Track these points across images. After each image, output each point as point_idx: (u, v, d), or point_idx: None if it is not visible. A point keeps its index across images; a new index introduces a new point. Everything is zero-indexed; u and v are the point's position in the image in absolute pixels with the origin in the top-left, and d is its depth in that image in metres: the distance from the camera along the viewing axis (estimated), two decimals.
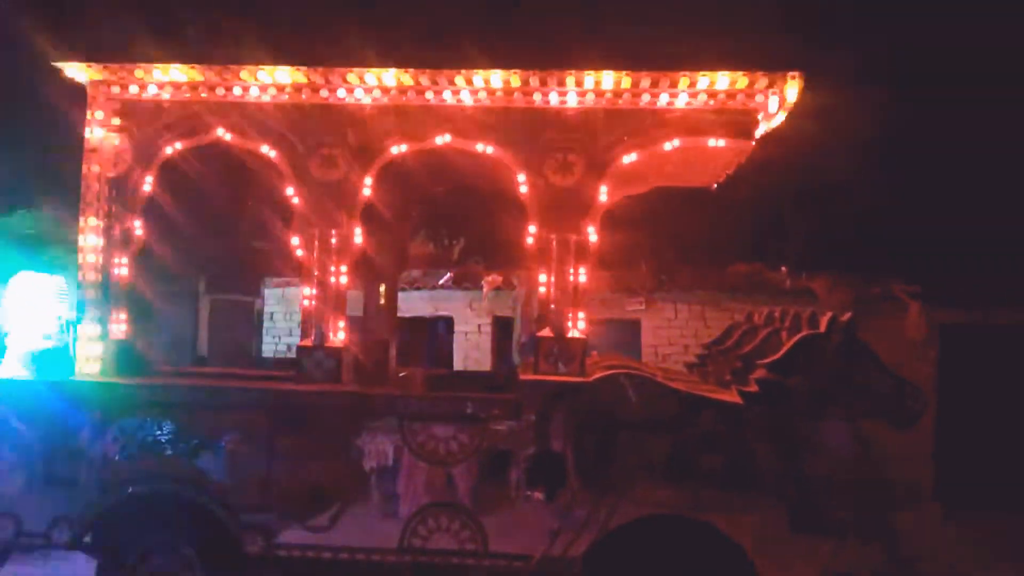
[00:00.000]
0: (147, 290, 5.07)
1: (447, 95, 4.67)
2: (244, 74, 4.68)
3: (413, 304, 10.63)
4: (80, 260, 4.83)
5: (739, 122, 4.63)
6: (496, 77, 4.56)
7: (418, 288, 10.82)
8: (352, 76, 4.64)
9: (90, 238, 4.81)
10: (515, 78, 4.55)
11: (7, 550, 5.27)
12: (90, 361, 4.74)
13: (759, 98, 4.58)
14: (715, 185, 5.82)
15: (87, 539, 4.49)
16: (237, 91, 4.77)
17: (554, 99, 4.63)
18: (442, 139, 4.75)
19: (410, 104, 4.72)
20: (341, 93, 4.72)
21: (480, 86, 4.60)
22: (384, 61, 4.64)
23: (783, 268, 10.02)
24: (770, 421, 4.23)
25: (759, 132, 4.82)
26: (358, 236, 4.82)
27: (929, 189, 9.58)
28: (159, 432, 4.43)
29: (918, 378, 5.21)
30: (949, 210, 9.32)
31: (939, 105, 9.46)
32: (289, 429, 4.40)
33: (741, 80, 4.49)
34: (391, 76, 4.62)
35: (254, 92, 4.76)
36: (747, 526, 4.16)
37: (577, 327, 4.55)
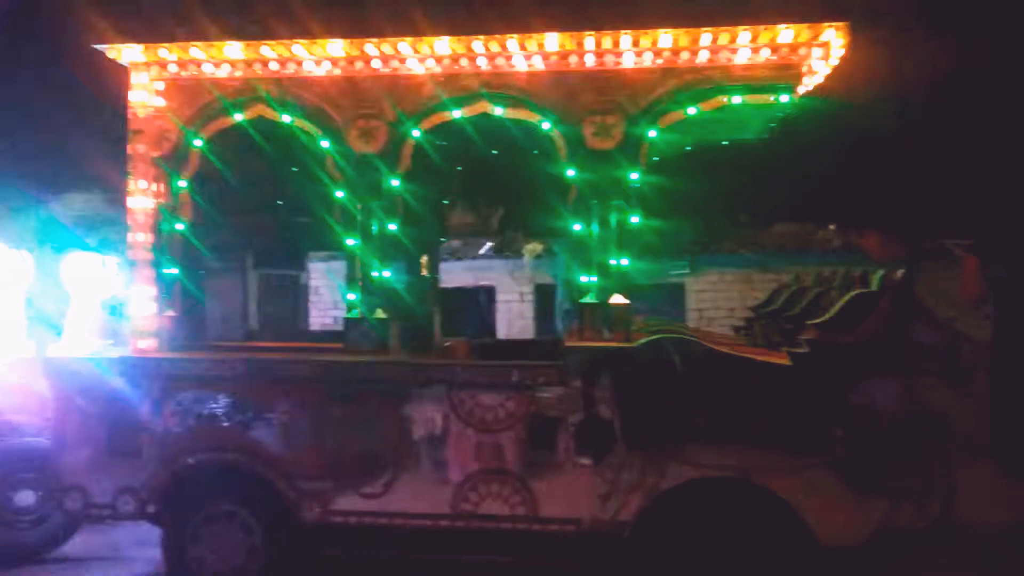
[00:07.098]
0: (197, 266, 5.18)
1: (481, 61, 4.63)
2: (280, 48, 4.70)
3: (455, 274, 10.69)
4: (130, 239, 4.94)
5: (782, 76, 4.50)
6: (552, 40, 4.45)
7: (459, 258, 10.87)
8: (386, 46, 4.62)
9: (139, 218, 4.91)
10: (569, 41, 4.46)
11: (76, 521, 5.51)
12: (145, 337, 4.88)
13: (802, 50, 4.44)
14: (759, 141, 5.70)
15: (151, 508, 4.66)
16: (274, 66, 4.79)
17: (609, 60, 4.52)
18: (481, 106, 4.72)
19: (448, 72, 4.69)
20: (376, 64, 4.71)
21: (533, 50, 4.52)
22: (425, 29, 4.60)
23: (831, 226, 9.81)
24: (821, 381, 4.18)
25: (804, 86, 4.69)
26: (399, 208, 4.85)
27: (980, 141, 9.23)
28: (215, 404, 4.55)
29: (973, 333, 5.08)
30: (1001, 163, 8.96)
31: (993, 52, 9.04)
32: (340, 399, 4.49)
33: (784, 33, 4.36)
34: (426, 45, 4.58)
35: (291, 66, 4.78)
36: (799, 487, 4.12)
37: (621, 293, 4.53)
